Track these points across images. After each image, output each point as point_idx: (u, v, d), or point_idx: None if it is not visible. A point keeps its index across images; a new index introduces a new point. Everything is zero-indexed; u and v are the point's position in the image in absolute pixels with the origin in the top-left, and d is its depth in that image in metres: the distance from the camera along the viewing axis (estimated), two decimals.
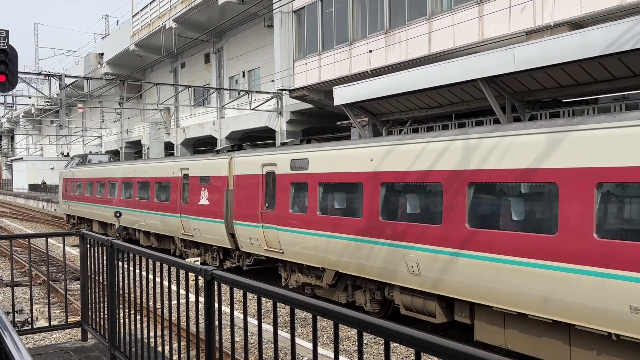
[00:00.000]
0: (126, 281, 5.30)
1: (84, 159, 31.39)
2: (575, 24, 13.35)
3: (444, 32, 17.06)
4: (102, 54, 48.10)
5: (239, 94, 29.71)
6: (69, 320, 7.36)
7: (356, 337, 9.83)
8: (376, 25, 20.10)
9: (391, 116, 17.54)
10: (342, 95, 17.60)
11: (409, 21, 18.65)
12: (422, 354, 2.27)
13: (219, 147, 35.74)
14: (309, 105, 25.61)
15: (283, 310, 10.51)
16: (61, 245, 7.32)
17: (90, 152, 43.13)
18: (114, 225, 23.21)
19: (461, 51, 16.37)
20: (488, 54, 12.96)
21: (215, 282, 3.65)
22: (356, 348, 9.35)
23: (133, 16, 41.33)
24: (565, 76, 12.16)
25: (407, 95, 15.79)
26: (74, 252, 20.04)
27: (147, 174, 20.92)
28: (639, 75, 11.35)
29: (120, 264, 5.50)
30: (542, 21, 13.96)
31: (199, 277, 3.80)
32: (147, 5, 38.69)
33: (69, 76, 28.65)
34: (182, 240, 18.87)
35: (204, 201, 16.80)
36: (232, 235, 16.03)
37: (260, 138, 38.63)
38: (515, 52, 12.09)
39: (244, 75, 34.07)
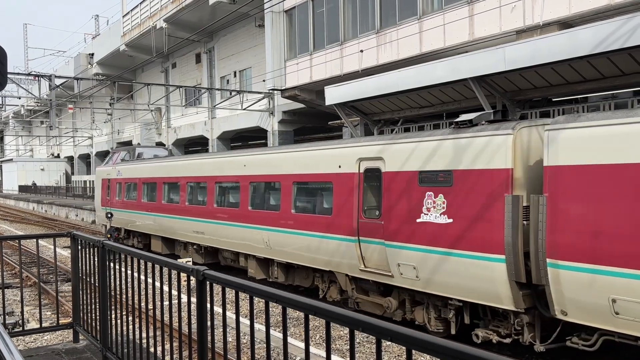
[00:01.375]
0: (118, 282, 5.29)
1: (131, 153, 23.71)
2: (565, 24, 13.44)
3: (434, 31, 17.12)
4: (93, 54, 47.85)
5: (231, 94, 29.65)
6: (60, 321, 7.32)
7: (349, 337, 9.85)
8: (367, 25, 20.13)
9: (383, 115, 17.58)
10: (334, 95, 17.63)
11: (400, 21, 18.69)
12: (413, 351, 2.29)
13: (210, 147, 35.91)
14: (300, 105, 25.61)
15: (276, 310, 10.52)
16: (52, 247, 7.28)
17: (139, 144, 35.98)
18: (194, 245, 17.65)
19: (452, 51, 16.43)
20: (478, 54, 13.03)
21: (208, 282, 3.66)
22: (349, 347, 9.37)
23: (123, 16, 41.13)
24: (555, 75, 12.25)
25: (398, 95, 15.84)
26: (65, 253, 19.94)
27: (275, 170, 13.55)
28: (627, 74, 11.45)
29: (111, 265, 5.49)
30: (532, 21, 14.05)
31: (191, 277, 3.80)
32: (138, 5, 38.52)
33: (59, 76, 28.46)
34: (353, 280, 11.48)
35: (434, 216, 9.22)
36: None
37: (252, 138, 38.58)
38: (505, 52, 12.16)
39: (235, 75, 34.01)
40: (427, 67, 14.60)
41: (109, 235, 22.07)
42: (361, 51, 19.90)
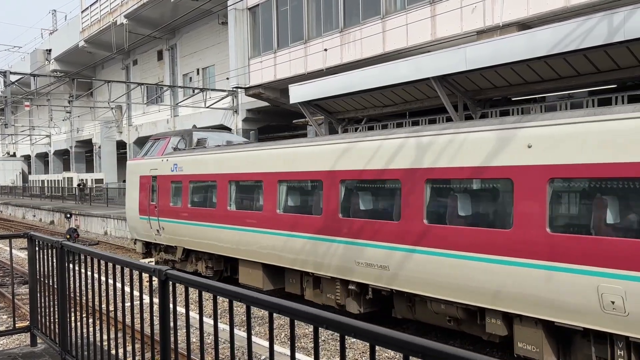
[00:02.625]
0: (77, 284, 5.16)
1: (187, 140, 16.17)
2: (523, 25, 13.77)
3: (397, 31, 17.29)
4: (50, 51, 46.55)
5: (193, 91, 29.29)
6: (17, 325, 7.10)
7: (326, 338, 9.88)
8: (331, 24, 20.18)
9: (347, 114, 17.66)
10: (298, 94, 17.61)
11: (363, 20, 18.81)
12: (376, 347, 2.31)
13: None
14: (265, 103, 25.50)
15: (241, 309, 10.46)
16: (8, 249, 7.05)
17: (194, 126, 27.46)
18: (310, 275, 11.36)
19: (414, 50, 16.63)
20: (440, 53, 13.22)
21: (170, 282, 3.61)
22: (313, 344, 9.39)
23: (82, 12, 40.14)
24: (514, 75, 12.53)
25: (362, 94, 15.94)
26: (22, 255, 19.36)
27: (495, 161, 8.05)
28: (582, 74, 11.80)
29: (71, 266, 5.36)
30: (492, 21, 14.35)
31: (153, 278, 3.74)
32: (97, 1, 37.66)
33: (14, 73, 27.55)
34: None
35: None
36: None
37: None
38: (466, 52, 12.38)
39: (198, 73, 33.61)
40: (390, 66, 14.73)
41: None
42: (325, 50, 19.94)
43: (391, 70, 14.49)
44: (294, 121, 24.82)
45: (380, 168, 9.65)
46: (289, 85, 18.14)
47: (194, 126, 20.10)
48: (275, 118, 28.68)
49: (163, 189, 15.47)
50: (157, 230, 15.47)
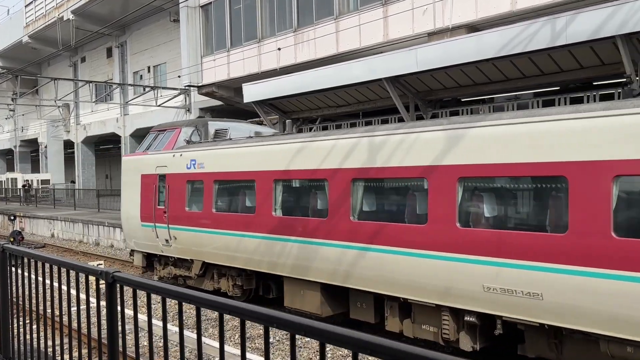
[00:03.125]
0: (21, 289, 4.98)
1: (202, 131, 13.12)
2: (472, 27, 14.12)
3: (350, 32, 17.42)
4: None
5: (144, 89, 28.69)
6: None
7: (278, 337, 9.85)
8: (285, 24, 20.15)
9: (301, 114, 17.68)
10: (252, 93, 17.51)
11: (317, 20, 18.86)
12: (326, 346, 2.33)
13: (122, 145, 34.43)
14: (218, 102, 25.24)
15: (193, 311, 10.31)
16: None
17: (208, 114, 22.08)
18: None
19: (367, 51, 16.80)
20: (392, 54, 13.42)
21: (118, 285, 3.53)
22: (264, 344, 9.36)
23: (26, 6, 38.69)
24: (464, 76, 12.85)
25: (316, 94, 16.00)
26: None
27: None
28: (528, 76, 12.21)
29: (13, 269, 5.16)
30: (442, 23, 14.65)
31: (100, 280, 3.65)
32: None
33: None
34: None
35: None
36: None
37: None
38: (417, 53, 12.61)
39: (149, 71, 32.94)
40: (343, 66, 14.85)
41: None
42: (279, 49, 19.90)
43: (345, 71, 14.61)
44: (248, 120, 24.63)
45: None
46: (243, 85, 18.01)
47: (208, 114, 15.46)
48: (229, 117, 28.33)
49: (175, 190, 12.32)
50: (166, 240, 12.48)
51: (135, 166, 13.80)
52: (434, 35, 14.45)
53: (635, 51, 9.79)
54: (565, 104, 11.14)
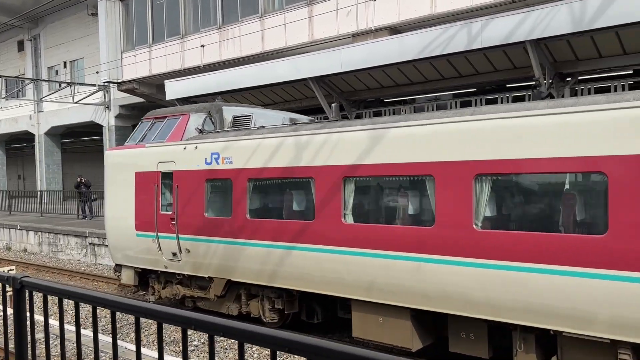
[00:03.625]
0: None
1: (215, 118, 10.73)
2: (395, 29, 14.49)
3: (276, 30, 17.40)
4: None
5: (60, 85, 27.31)
6: None
7: (198, 339, 9.70)
8: (209, 20, 19.83)
9: None
10: (175, 90, 17.12)
11: (242, 18, 18.70)
12: (245, 345, 2.32)
13: (37, 145, 32.55)
14: (140, 99, 24.45)
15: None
16: None
17: (220, 98, 15.52)
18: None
19: (293, 50, 16.84)
20: (317, 54, 13.54)
21: (27, 291, 3.35)
22: (192, 348, 9.18)
23: None
24: (386, 77, 13.17)
25: (242, 92, 15.87)
26: None
27: None
28: (447, 78, 12.70)
29: None
30: (366, 25, 14.93)
31: (7, 287, 3.45)
32: None
33: None
34: None
35: None
36: None
37: (85, 134, 35.94)
38: (341, 54, 12.79)
39: (65, 66, 31.39)
40: (269, 65, 14.81)
41: None
42: (202, 46, 19.56)
43: (270, 70, 14.59)
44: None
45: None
46: (165, 81, 17.56)
47: (220, 97, 12.93)
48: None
49: (188, 191, 9.90)
50: (173, 254, 10.15)
51: (126, 162, 11.09)
52: (357, 36, 14.70)
53: (543, 56, 10.41)
54: (482, 105, 11.66)
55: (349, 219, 7.86)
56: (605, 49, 10.27)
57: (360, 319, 8.10)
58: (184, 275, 10.33)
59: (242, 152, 9.15)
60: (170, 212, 10.16)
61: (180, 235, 10.00)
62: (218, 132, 10.05)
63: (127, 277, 11.44)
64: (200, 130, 10.20)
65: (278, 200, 9.00)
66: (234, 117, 10.52)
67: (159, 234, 10.33)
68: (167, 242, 10.22)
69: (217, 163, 9.49)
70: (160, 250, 10.36)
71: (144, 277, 11.33)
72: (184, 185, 9.95)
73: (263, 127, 9.48)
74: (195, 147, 9.81)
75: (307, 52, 14.98)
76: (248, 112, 10.58)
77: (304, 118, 11.25)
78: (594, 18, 9.31)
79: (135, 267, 11.16)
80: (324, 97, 13.65)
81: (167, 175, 10.30)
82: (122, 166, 11.16)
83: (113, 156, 11.60)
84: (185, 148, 9.99)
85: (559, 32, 9.70)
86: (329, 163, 8.02)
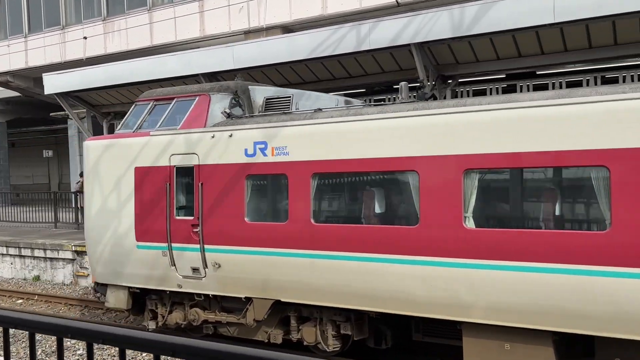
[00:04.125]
0: None
1: (242, 101, 8.59)
2: (287, 28, 14.60)
3: (165, 24, 16.87)
4: None
5: None
6: None
7: (82, 347, 9.15)
8: (93, 11, 18.80)
9: (112, 108, 16.66)
10: (54, 84, 16.03)
11: (128, 10, 17.92)
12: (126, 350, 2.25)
13: None
14: (15, 93, 22.65)
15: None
16: None
17: (239, 76, 10.43)
18: None
19: (184, 45, 16.43)
20: (209, 50, 13.31)
21: None
22: (75, 358, 8.69)
23: None
24: (279, 76, 13.24)
25: (129, 87, 15.20)
26: None
27: None
28: (337, 78, 13.01)
29: None
30: (258, 23, 14.90)
31: None
32: None
33: None
34: None
35: None
36: None
37: None
38: (234, 51, 12.66)
39: None
40: (158, 59, 14.34)
41: None
42: (85, 38, 18.49)
43: (159, 64, 14.11)
44: (51, 114, 22.49)
45: None
46: (44, 74, 16.39)
47: (238, 75, 10.14)
48: (29, 110, 25.65)
49: (220, 190, 8.01)
50: (194, 269, 8.23)
51: (119, 155, 8.82)
52: (250, 33, 14.64)
53: (426, 58, 10.98)
54: (370, 106, 12.07)
55: (470, 223, 6.25)
56: (481, 54, 11.04)
57: (477, 345, 6.55)
58: (204, 296, 8.29)
59: (303, 140, 7.33)
60: (190, 218, 8.16)
61: (206, 246, 8.01)
62: (253, 116, 8.16)
63: (117, 299, 9.16)
64: (228, 114, 8.22)
65: (357, 200, 7.31)
66: (267, 99, 8.58)
67: (173, 244, 8.30)
68: (185, 255, 8.21)
69: (264, 155, 7.60)
70: (174, 265, 8.29)
71: (138, 299, 9.13)
72: (213, 183, 7.97)
73: (327, 109, 7.67)
74: (230, 135, 7.83)
75: (198, 48, 14.67)
76: (286, 93, 8.73)
77: (357, 102, 9.42)
78: (471, 25, 9.98)
79: (130, 287, 8.90)
80: None
81: (186, 171, 8.26)
82: (114, 160, 8.85)
83: (97, 148, 9.13)
84: (213, 136, 7.95)
85: (440, 37, 10.28)
86: (441, 153, 6.36)
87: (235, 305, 8.14)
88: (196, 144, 8.12)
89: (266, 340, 8.09)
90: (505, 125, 6.11)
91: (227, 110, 8.23)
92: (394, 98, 12.68)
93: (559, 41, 10.20)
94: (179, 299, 8.69)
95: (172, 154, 8.30)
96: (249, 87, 8.67)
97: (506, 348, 6.36)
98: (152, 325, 9.07)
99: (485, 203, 6.44)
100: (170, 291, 8.56)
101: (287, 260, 7.39)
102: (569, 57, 10.48)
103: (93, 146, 9.25)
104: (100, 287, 9.33)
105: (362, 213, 7.12)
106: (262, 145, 7.64)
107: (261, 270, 7.60)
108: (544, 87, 11.12)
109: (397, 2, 12.04)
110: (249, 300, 7.88)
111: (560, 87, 10.89)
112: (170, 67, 13.58)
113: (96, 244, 9.10)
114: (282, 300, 7.57)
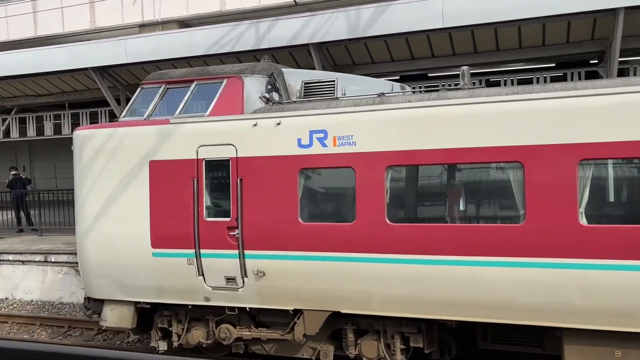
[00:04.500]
0: None
1: (278, 85, 7.77)
2: (183, 23, 14.23)
3: (51, 14, 15.84)
4: None
5: None
6: None
7: None
8: None
9: None
10: None
11: None
12: None
13: None
14: None
15: None
16: None
17: (266, 57, 8.80)
18: None
19: (72, 37, 15.53)
20: (99, 43, 12.68)
21: None
22: None
23: None
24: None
25: (10, 80, 14.13)
26: None
27: None
28: None
29: None
30: (153, 17, 14.40)
31: None
32: None
33: None
34: None
35: None
36: None
37: None
38: (127, 44, 12.15)
39: None
40: (44, 51, 13.43)
41: None
42: None
43: (45, 57, 13.22)
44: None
45: None
46: None
47: (266, 57, 8.37)
48: None
49: (265, 186, 7.00)
50: (230, 279, 7.20)
51: (127, 146, 7.57)
52: (144, 27, 14.10)
53: (325, 59, 11.18)
54: None
55: (584, 219, 5.75)
56: (376, 55, 11.40)
57: (581, 353, 6.06)
58: (239, 310, 7.28)
59: (375, 128, 6.47)
60: (226, 219, 7.13)
61: (247, 252, 7.04)
62: (303, 102, 7.30)
63: (119, 317, 7.88)
64: (267, 99, 7.31)
65: (445, 196, 6.50)
66: (305, 83, 7.66)
67: (202, 251, 7.23)
68: (218, 263, 7.17)
69: (324, 145, 6.71)
70: (202, 275, 7.23)
71: (144, 316, 7.93)
72: (255, 178, 6.99)
73: (375, 95, 6.87)
74: (278, 123, 6.90)
75: (88, 40, 13.92)
76: (329, 77, 7.80)
77: (409, 88, 8.57)
78: (366, 27, 10.28)
79: (138, 302, 7.70)
80: (108, 89, 12.83)
81: (219, 165, 7.23)
82: (120, 153, 7.58)
83: (95, 139, 7.71)
84: (256, 124, 6.99)
85: (337, 38, 10.50)
86: (553, 142, 5.74)
87: (274, 318, 7.22)
88: (233, 134, 7.09)
89: (313, 358, 7.23)
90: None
91: (267, 95, 7.33)
92: None
93: (447, 45, 10.80)
94: (199, 315, 7.59)
95: (201, 145, 7.18)
96: (282, 70, 7.77)
97: (617, 355, 5.89)
98: (163, 346, 7.95)
99: (603, 197, 5.88)
100: (193, 305, 7.40)
101: (353, 266, 6.51)
102: (456, 60, 11.13)
103: (87, 137, 7.74)
104: (94, 304, 8.05)
105: (451, 211, 6.38)
106: (321, 135, 6.75)
107: (318, 278, 6.68)
108: (435, 88, 11.72)
109: (295, 1, 12.15)
110: (297, 312, 6.98)
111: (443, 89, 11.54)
112: (58, 59, 12.79)
113: (92, 254, 7.73)
114: (342, 311, 6.70)
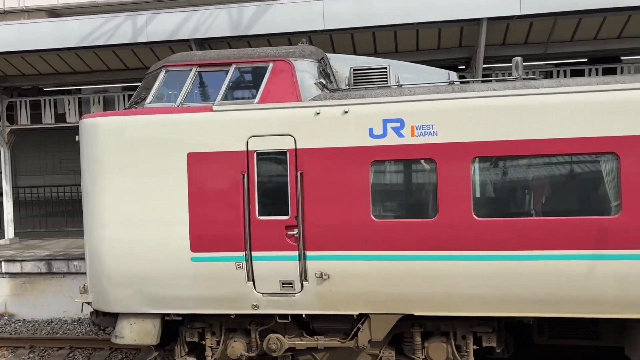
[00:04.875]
0: None
1: (327, 72, 7.09)
2: (53, 12, 13.29)
3: None
4: None
5: None
6: None
7: None
8: None
9: None
10: None
11: None
12: None
13: None
14: None
15: None
16: None
17: (303, 41, 7.88)
18: None
19: None
20: None
21: None
22: None
23: None
24: (44, 64, 12.01)
25: None
26: None
27: None
28: (113, 70, 12.29)
29: None
30: (17, 3, 13.31)
31: None
32: None
33: None
34: None
35: None
36: None
37: None
38: None
39: None
40: None
41: None
42: None
43: None
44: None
45: None
46: None
47: (303, 41, 7.45)
48: None
49: (330, 180, 6.35)
50: (286, 284, 6.54)
51: (157, 137, 6.62)
52: (7, 14, 12.97)
53: None
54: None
55: None
56: None
57: None
58: (292, 317, 6.62)
59: (460, 117, 6.08)
60: (283, 217, 6.46)
61: (308, 253, 6.43)
62: (367, 88, 6.71)
63: (142, 331, 6.93)
64: (323, 85, 6.70)
65: (538, 188, 6.14)
66: (354, 70, 7.12)
67: (254, 253, 6.54)
68: (273, 266, 6.51)
69: (400, 135, 6.23)
70: (252, 280, 6.54)
71: (167, 331, 7.04)
72: (318, 172, 6.39)
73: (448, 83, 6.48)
74: (346, 112, 6.35)
75: None
76: (379, 63, 7.27)
77: (455, 75, 8.06)
78: (249, 25, 10.24)
79: (166, 314, 6.80)
80: None
81: (274, 158, 6.58)
82: (148, 144, 6.63)
83: (116, 128, 6.70)
84: (318, 113, 6.39)
85: (219, 35, 10.37)
86: None
87: (332, 325, 6.64)
88: (291, 123, 6.45)
89: None
90: None
91: (323, 81, 6.71)
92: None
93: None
94: (235, 325, 6.89)
95: (252, 136, 6.50)
96: (326, 56, 7.20)
97: None
98: None
99: None
100: (237, 315, 6.67)
101: (434, 264, 6.09)
102: None
103: (106, 125, 6.70)
104: (105, 319, 7.11)
105: (541, 204, 6.09)
106: (397, 124, 6.26)
107: (391, 279, 6.20)
108: None
109: None
110: (360, 317, 6.47)
111: None
112: None
113: (110, 261, 6.71)
114: (416, 314, 6.28)
